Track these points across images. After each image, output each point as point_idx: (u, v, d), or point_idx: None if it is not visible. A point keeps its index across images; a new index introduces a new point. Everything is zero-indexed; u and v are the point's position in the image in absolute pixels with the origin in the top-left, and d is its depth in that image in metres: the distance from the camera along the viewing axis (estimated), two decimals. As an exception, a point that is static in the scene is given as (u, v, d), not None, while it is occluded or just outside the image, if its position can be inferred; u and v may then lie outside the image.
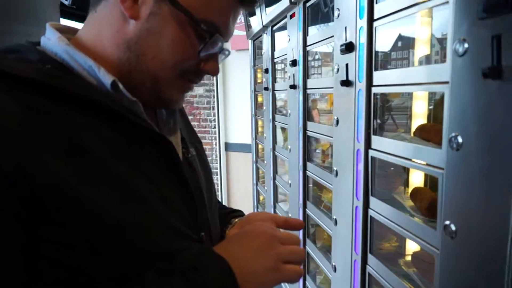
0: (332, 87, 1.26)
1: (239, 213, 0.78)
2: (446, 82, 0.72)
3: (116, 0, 0.51)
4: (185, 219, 0.55)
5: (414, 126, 1.03)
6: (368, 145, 1.05)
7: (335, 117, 1.24)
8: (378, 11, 0.97)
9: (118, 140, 0.49)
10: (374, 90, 1.02)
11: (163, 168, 0.53)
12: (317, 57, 1.62)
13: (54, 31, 0.53)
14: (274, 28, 2.03)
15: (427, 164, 0.81)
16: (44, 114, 0.43)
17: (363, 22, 1.03)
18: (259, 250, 0.53)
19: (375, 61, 1.01)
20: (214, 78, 3.96)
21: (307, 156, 1.62)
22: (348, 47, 1.09)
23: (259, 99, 2.70)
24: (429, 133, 0.91)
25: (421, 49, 1.02)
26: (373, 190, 1.06)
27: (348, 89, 1.13)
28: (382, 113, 1.05)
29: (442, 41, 0.91)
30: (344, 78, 1.13)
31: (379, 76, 1.00)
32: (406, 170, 1.08)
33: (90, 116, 0.47)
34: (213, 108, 4.06)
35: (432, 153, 0.79)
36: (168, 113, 0.64)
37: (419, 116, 1.05)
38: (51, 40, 0.52)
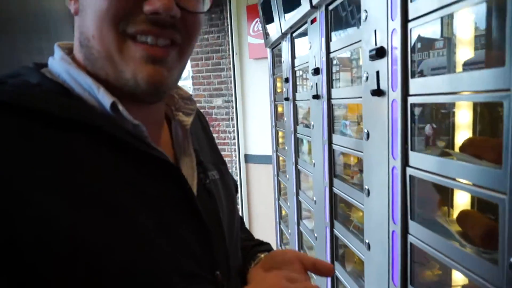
0: (360, 97, 1.14)
1: (265, 247, 0.69)
2: (507, 90, 0.60)
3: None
4: (198, 258, 0.48)
5: (458, 140, 0.90)
6: (405, 162, 0.93)
7: (365, 130, 1.11)
8: (414, 11, 0.85)
9: (122, 169, 0.44)
10: (411, 100, 0.89)
11: (172, 199, 0.47)
12: (335, 62, 1.50)
13: (59, 50, 0.50)
14: (294, 34, 1.93)
15: (482, 187, 0.68)
16: (36, 142, 0.39)
17: (395, 24, 0.91)
18: None
19: (411, 67, 0.88)
20: (232, 88, 3.89)
21: (333, 172, 1.50)
22: (379, 53, 0.98)
23: (279, 109, 2.60)
24: (481, 149, 0.78)
25: (464, 51, 0.89)
26: (412, 213, 0.93)
27: (380, 99, 1.01)
28: (421, 126, 0.93)
29: (493, 41, 0.78)
30: (375, 87, 1.01)
31: (416, 84, 0.88)
32: (449, 189, 0.94)
33: (89, 143, 0.42)
34: (232, 119, 3.99)
35: (489, 174, 0.66)
36: (184, 133, 0.58)
37: (464, 127, 0.91)
38: (55, 60, 0.49)
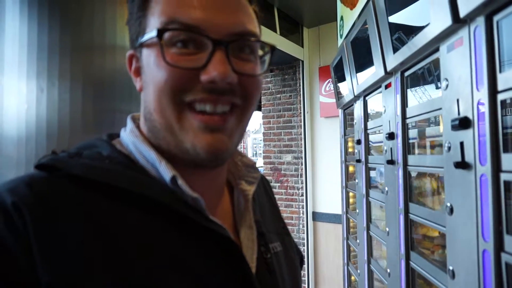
0: (442, 167, 1.06)
1: None
2: None
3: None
4: None
5: None
6: (499, 246, 0.82)
7: (448, 204, 1.02)
8: (504, 81, 0.80)
9: (175, 244, 0.43)
10: (504, 176, 0.81)
11: (229, 280, 0.45)
12: (410, 125, 1.43)
13: (130, 122, 0.53)
14: (367, 97, 1.92)
15: None
16: (96, 216, 0.40)
17: (481, 95, 0.86)
18: None
19: (504, 141, 0.81)
20: (303, 144, 3.91)
21: (410, 244, 1.37)
22: (463, 123, 0.92)
23: (350, 169, 2.52)
24: None
25: None
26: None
27: (465, 173, 0.93)
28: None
29: None
30: (459, 159, 0.94)
31: (509, 160, 0.79)
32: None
33: (146, 215, 0.43)
34: (301, 176, 3.95)
35: None
36: (246, 202, 0.56)
37: None
38: (126, 132, 0.52)
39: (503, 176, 0.81)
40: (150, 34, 0.45)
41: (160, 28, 0.43)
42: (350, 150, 2.52)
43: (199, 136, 0.45)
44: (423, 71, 1.29)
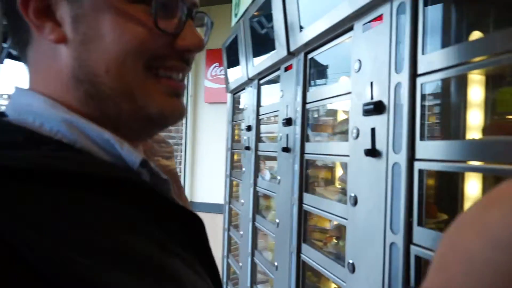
0: (347, 155, 1.00)
1: None
2: None
3: (36, 36, 0.41)
4: None
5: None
6: (409, 239, 0.78)
7: (352, 194, 0.96)
8: (426, 64, 0.75)
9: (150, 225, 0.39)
10: (418, 165, 0.76)
11: (197, 255, 0.44)
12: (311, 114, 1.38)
13: (35, 94, 0.42)
14: (262, 81, 1.82)
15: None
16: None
17: (401, 77, 0.80)
18: None
19: (421, 128, 0.76)
20: (183, 130, 3.68)
21: (304, 236, 1.32)
22: (377, 108, 0.85)
23: (235, 157, 2.42)
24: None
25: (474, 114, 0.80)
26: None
27: (375, 161, 0.87)
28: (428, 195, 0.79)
29: None
30: (369, 147, 0.88)
31: (425, 148, 0.75)
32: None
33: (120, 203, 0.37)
34: (180, 163, 3.73)
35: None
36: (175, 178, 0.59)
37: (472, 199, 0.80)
38: (32, 107, 0.40)
39: (418, 165, 0.77)
40: None
41: None
42: (236, 137, 2.42)
43: (167, 101, 0.44)
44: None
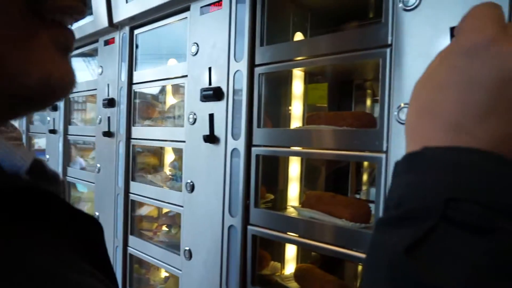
0: (183, 141, 0.98)
1: None
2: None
3: None
4: None
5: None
6: (246, 220, 0.83)
7: (188, 181, 0.95)
8: (261, 56, 0.79)
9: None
10: (255, 151, 0.81)
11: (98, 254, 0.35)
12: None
13: None
14: (72, 53, 1.55)
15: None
16: None
17: (240, 66, 0.83)
18: None
19: (258, 116, 0.81)
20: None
21: (131, 227, 1.22)
22: (216, 94, 0.86)
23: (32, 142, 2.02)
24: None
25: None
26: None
27: (214, 147, 0.88)
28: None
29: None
30: (207, 133, 0.88)
31: (259, 135, 0.81)
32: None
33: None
34: None
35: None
36: None
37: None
38: None
39: (255, 151, 0.82)
40: None
41: None
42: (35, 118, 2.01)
43: (56, 61, 0.29)
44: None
